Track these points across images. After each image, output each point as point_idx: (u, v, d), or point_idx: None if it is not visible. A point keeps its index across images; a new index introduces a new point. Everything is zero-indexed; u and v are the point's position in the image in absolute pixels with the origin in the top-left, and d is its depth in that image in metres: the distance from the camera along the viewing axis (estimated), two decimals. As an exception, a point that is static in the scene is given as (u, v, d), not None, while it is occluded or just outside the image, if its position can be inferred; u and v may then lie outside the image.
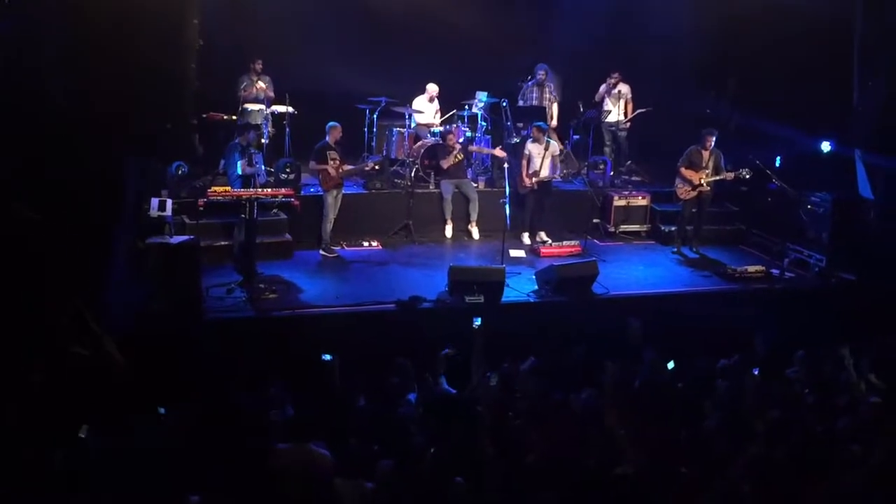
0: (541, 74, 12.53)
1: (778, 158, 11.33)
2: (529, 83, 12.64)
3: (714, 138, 10.88)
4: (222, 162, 10.39)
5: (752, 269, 10.36)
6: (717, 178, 10.89)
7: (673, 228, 11.54)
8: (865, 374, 7.43)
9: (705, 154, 10.90)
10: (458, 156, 11.36)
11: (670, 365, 7.48)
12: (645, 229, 11.95)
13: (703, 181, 10.87)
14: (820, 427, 6.38)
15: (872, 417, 6.53)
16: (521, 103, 12.65)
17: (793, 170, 11.11)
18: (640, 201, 11.95)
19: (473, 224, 11.45)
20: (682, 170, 11.03)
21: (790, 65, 11.23)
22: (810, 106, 11.01)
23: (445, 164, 11.32)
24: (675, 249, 11.29)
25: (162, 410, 6.21)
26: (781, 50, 11.27)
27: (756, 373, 7.27)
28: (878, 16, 10.00)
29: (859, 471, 5.54)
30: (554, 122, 12.47)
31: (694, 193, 10.99)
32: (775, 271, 10.41)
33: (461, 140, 11.68)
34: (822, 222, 10.74)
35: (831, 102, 10.81)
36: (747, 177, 10.76)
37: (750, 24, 11.77)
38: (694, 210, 11.15)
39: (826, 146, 10.94)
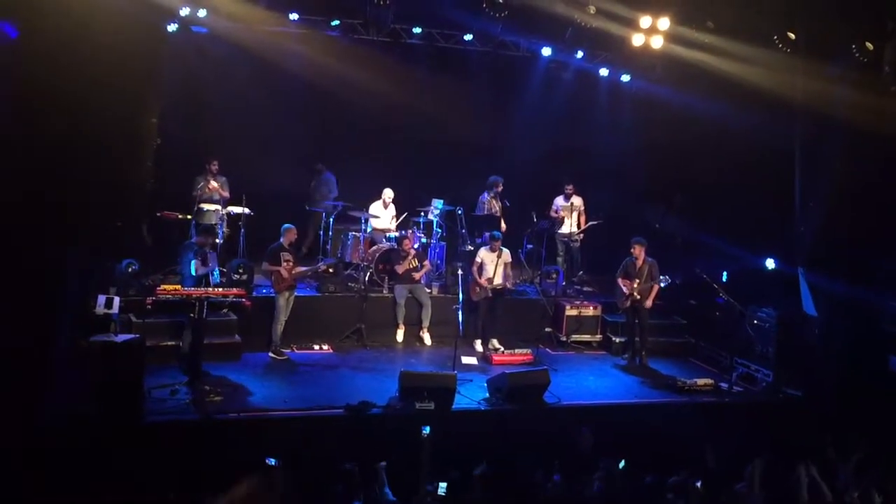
0: (499, 187, 12.79)
1: (725, 273, 11.59)
2: (487, 195, 12.88)
3: (641, 247, 11.09)
4: (178, 260, 10.32)
5: (700, 382, 10.42)
6: (647, 285, 11.03)
7: (623, 339, 11.65)
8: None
9: (638, 263, 11.11)
10: (413, 261, 11.43)
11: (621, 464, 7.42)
12: (596, 339, 12.03)
13: (634, 290, 11.03)
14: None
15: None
16: (476, 211, 12.86)
17: (739, 285, 11.36)
18: (592, 311, 12.07)
19: (425, 330, 11.42)
20: (619, 280, 11.23)
21: (735, 183, 11.65)
22: (755, 223, 11.39)
23: (400, 268, 11.36)
24: (626, 360, 11.36)
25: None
26: (727, 169, 11.71)
27: (699, 485, 7.22)
28: (815, 143, 10.49)
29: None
30: (503, 227, 12.67)
31: (628, 303, 11.14)
32: (724, 385, 10.48)
33: (416, 246, 11.78)
34: (768, 338, 10.92)
35: (775, 221, 11.17)
36: (663, 285, 10.94)
37: (697, 143, 12.26)
38: (636, 321, 11.28)
39: (770, 263, 11.24)
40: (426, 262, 11.73)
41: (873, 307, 10.52)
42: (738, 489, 7.65)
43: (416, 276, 11.45)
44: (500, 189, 12.81)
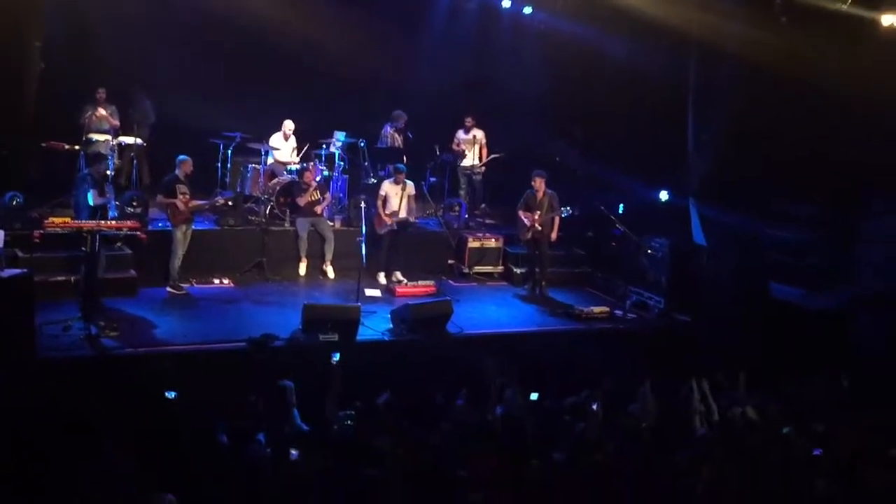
0: (400, 121, 12.69)
1: (621, 205, 11.94)
2: (389, 128, 12.77)
3: (542, 179, 11.29)
4: (73, 192, 9.87)
5: (597, 309, 10.79)
6: (548, 216, 11.26)
7: (524, 270, 11.91)
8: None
9: (539, 195, 11.32)
10: (315, 193, 11.28)
11: (534, 396, 7.63)
12: (498, 270, 12.24)
13: (536, 222, 11.26)
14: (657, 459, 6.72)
15: (705, 449, 6.96)
16: (379, 143, 12.76)
17: (635, 216, 11.73)
18: (494, 243, 12.25)
19: (328, 264, 11.35)
20: (520, 212, 11.42)
21: (632, 117, 11.93)
22: (650, 156, 11.72)
23: (301, 201, 11.21)
24: (526, 290, 11.63)
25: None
26: (625, 102, 11.97)
27: (596, 408, 7.56)
28: (710, 73, 10.80)
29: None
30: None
31: (529, 235, 11.37)
32: (618, 312, 10.88)
33: (318, 178, 11.61)
34: (660, 266, 11.35)
35: (670, 154, 11.53)
36: (565, 216, 11.20)
37: (597, 77, 12.43)
38: (536, 252, 11.53)
39: (664, 195, 11.63)
40: (327, 195, 11.60)
41: (758, 236, 11.09)
42: (630, 409, 8.06)
43: (318, 209, 11.32)
44: (403, 122, 12.73)
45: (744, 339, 10.06)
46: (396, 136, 12.76)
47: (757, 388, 8.67)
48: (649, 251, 11.51)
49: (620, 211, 11.83)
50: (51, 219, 8.89)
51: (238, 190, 11.88)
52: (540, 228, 11.27)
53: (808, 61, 9.76)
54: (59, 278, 9.37)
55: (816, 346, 9.87)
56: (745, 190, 10.64)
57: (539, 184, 11.29)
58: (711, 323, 10.57)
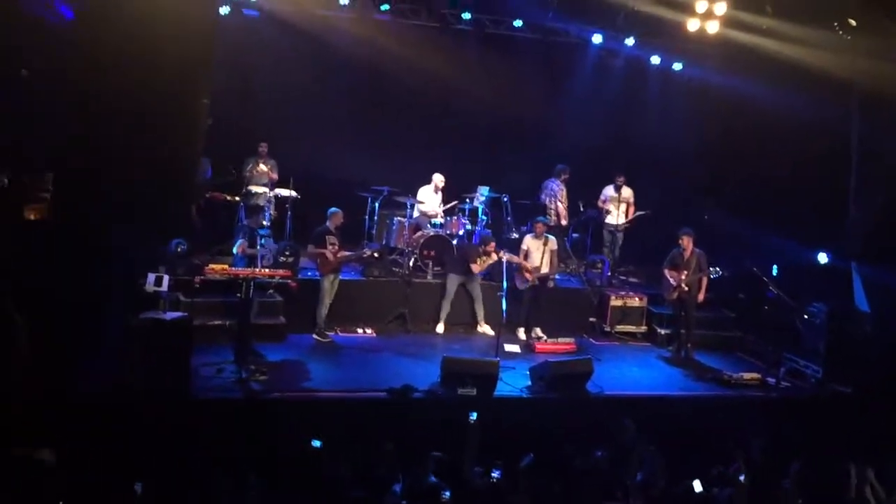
0: (566, 174, 12.83)
1: (775, 267, 11.36)
2: (558, 183, 12.87)
3: (690, 238, 10.94)
4: (232, 241, 10.49)
5: (747, 375, 10.25)
6: (695, 276, 10.85)
7: (669, 330, 11.51)
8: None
9: (686, 254, 10.95)
10: (490, 260, 11.08)
11: (698, 487, 7.17)
12: (641, 330, 11.90)
13: (682, 281, 10.87)
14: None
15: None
16: (542, 198, 12.87)
17: (790, 279, 11.13)
18: (637, 302, 11.94)
19: (483, 323, 11.36)
20: (666, 271, 11.07)
21: (788, 175, 11.41)
22: (808, 216, 11.15)
23: (476, 267, 11.14)
24: (671, 352, 11.22)
25: (138, 487, 6.02)
26: (780, 159, 11.48)
27: (742, 479, 7.12)
28: (875, 124, 10.18)
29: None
30: (564, 221, 12.66)
31: (675, 295, 10.99)
32: (771, 380, 10.28)
33: (461, 232, 11.73)
34: (818, 333, 10.68)
35: (829, 214, 10.92)
36: (713, 276, 10.78)
37: (749, 133, 12.02)
38: (682, 313, 11.13)
39: (823, 257, 11.02)
40: (502, 254, 10.99)
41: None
42: (784, 486, 7.53)
43: (476, 268, 11.12)
44: (566, 177, 12.83)
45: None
46: (562, 190, 12.81)
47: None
48: (806, 316, 10.86)
49: (774, 273, 11.25)
50: (210, 266, 9.40)
51: (384, 242, 12.18)
52: (687, 288, 10.89)
53: None
54: (216, 322, 9.87)
55: None
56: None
57: (687, 242, 10.95)
58: (875, 395, 9.80)
